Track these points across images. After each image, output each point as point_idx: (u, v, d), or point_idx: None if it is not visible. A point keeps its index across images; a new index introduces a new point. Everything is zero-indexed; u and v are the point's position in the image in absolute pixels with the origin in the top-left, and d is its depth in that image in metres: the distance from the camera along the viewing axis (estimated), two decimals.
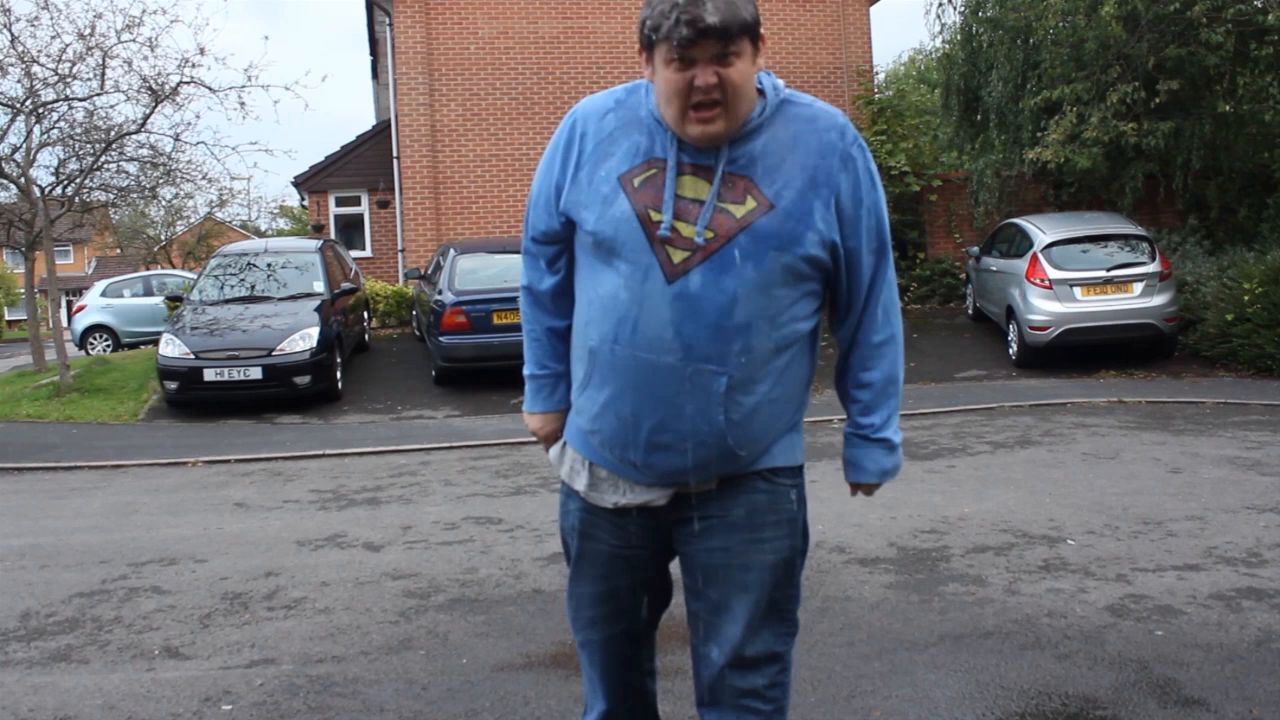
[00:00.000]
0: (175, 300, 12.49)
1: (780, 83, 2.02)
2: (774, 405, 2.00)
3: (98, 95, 12.10)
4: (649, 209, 1.92)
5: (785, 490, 2.08)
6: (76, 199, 13.04)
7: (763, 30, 1.91)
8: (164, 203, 24.88)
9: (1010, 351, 11.94)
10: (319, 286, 11.65)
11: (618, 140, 1.99)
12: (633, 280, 1.93)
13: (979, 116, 15.09)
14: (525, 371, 2.27)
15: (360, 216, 19.19)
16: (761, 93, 1.97)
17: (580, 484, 2.13)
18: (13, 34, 11.57)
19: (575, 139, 2.04)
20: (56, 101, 12.02)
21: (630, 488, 2.07)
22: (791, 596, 2.14)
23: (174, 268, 29.94)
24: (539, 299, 2.20)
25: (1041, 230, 11.67)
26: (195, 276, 13.86)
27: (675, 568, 2.24)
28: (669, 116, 1.91)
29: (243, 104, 12.50)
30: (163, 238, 35.96)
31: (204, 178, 14.36)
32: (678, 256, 1.91)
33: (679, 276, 1.90)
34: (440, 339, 10.99)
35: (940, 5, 15.64)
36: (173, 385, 10.37)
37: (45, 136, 12.27)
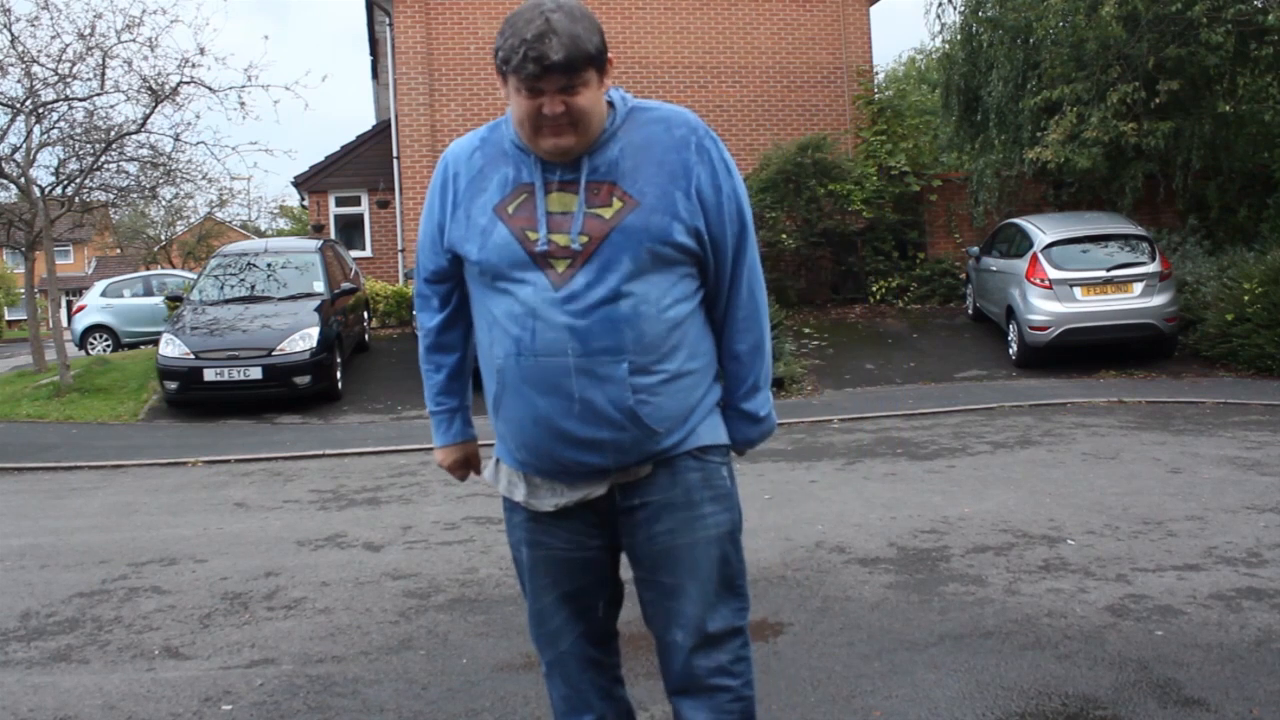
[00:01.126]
0: (175, 300, 12.49)
1: (628, 95, 2.17)
2: (683, 381, 2.12)
3: (98, 95, 12.12)
4: (525, 230, 2.07)
5: (716, 467, 2.20)
6: (76, 199, 13.05)
7: (610, 55, 2.06)
8: (164, 203, 24.89)
9: (1010, 351, 11.94)
10: (319, 286, 11.65)
11: (488, 175, 2.14)
12: (523, 295, 2.07)
13: (979, 116, 15.08)
14: (427, 409, 2.45)
15: (360, 216, 19.19)
16: (611, 105, 2.12)
17: (519, 494, 2.22)
18: (13, 34, 11.59)
19: (449, 180, 2.20)
20: (56, 101, 12.03)
21: (567, 487, 2.16)
22: (739, 570, 2.25)
23: (174, 268, 29.93)
24: (430, 337, 2.38)
25: (1041, 230, 11.66)
26: (195, 276, 13.86)
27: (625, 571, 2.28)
28: (523, 136, 2.07)
29: (243, 104, 12.54)
30: (163, 238, 35.96)
31: (204, 178, 14.43)
32: (560, 265, 2.05)
33: (564, 283, 2.04)
34: None
35: (940, 5, 15.63)
36: (173, 385, 10.37)
37: (45, 136, 12.28)
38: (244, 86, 13.47)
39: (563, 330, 2.03)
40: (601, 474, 2.12)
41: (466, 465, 2.46)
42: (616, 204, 2.05)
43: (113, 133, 12.46)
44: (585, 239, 2.03)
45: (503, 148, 2.14)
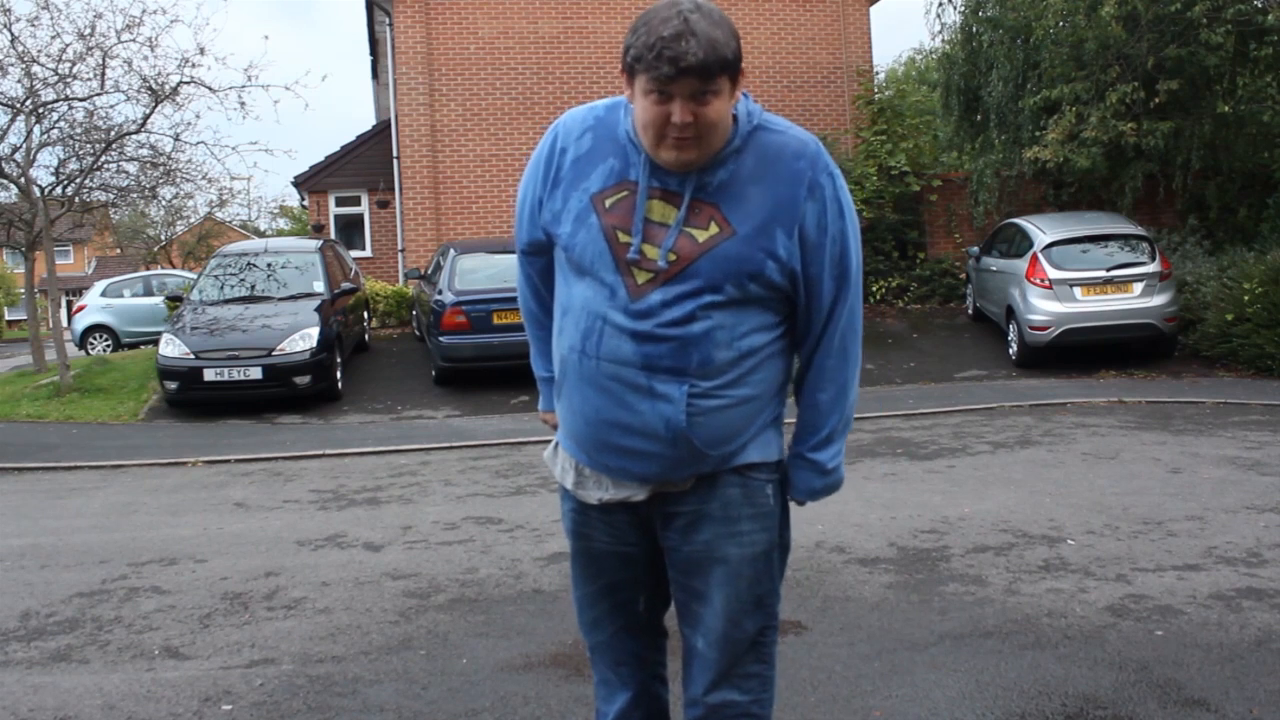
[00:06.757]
0: (175, 300, 12.49)
1: (756, 108, 2.05)
2: (742, 407, 2.05)
3: (98, 95, 12.09)
4: (618, 230, 2.00)
5: (760, 485, 2.13)
6: (76, 199, 13.04)
7: (743, 65, 1.94)
8: (164, 203, 24.78)
9: (1010, 351, 11.94)
10: (319, 286, 11.64)
11: (594, 160, 2.06)
12: (599, 296, 2.02)
13: (979, 116, 15.09)
14: (535, 372, 2.40)
15: (360, 216, 19.19)
16: (735, 119, 2.01)
17: (569, 481, 2.20)
18: (13, 34, 11.58)
19: (555, 154, 2.11)
20: (56, 101, 12.02)
21: (612, 484, 2.13)
22: (771, 590, 2.19)
23: (174, 268, 29.92)
24: (527, 305, 2.34)
25: (1041, 230, 11.67)
26: (195, 276, 13.86)
27: None
28: (645, 142, 1.98)
29: (242, 104, 12.51)
30: (163, 238, 35.95)
31: (204, 178, 14.32)
32: (642, 277, 1.99)
33: (640, 296, 1.98)
34: (440, 339, 10.99)
35: (940, 5, 15.64)
36: (173, 385, 10.37)
37: (45, 136, 12.26)
38: (244, 86, 13.43)
39: (628, 341, 1.98)
40: (644, 480, 2.09)
41: None
42: (714, 229, 1.97)
43: (113, 133, 12.45)
44: (673, 257, 1.96)
45: (616, 133, 2.05)
